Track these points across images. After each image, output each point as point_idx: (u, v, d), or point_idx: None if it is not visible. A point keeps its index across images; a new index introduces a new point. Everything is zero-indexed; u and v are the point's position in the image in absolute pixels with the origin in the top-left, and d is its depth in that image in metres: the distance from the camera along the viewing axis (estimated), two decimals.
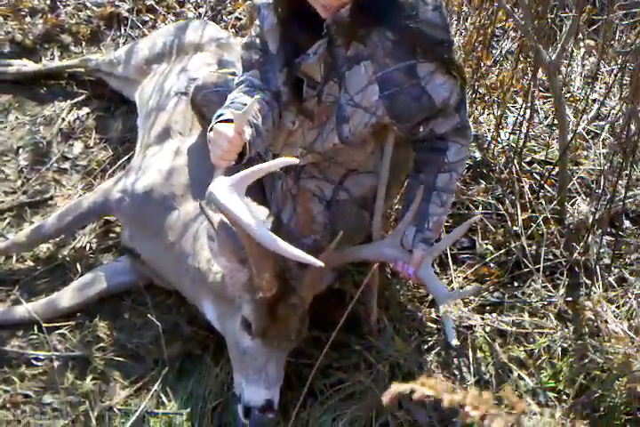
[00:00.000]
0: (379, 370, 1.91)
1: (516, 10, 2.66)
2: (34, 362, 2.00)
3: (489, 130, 2.73)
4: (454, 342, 1.65)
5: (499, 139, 2.69)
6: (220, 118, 1.66)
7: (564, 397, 1.90)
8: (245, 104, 1.66)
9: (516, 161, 2.49)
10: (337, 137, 1.84)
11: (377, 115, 1.78)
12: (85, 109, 2.96)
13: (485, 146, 2.68)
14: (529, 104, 2.49)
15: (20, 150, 2.74)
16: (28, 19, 3.30)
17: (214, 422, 1.84)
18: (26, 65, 3.05)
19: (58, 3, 3.41)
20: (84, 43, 3.32)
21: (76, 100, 2.98)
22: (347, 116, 1.80)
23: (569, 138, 2.38)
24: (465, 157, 1.90)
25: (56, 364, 2.00)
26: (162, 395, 1.93)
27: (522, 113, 2.58)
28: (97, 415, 1.87)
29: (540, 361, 2.00)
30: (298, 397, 1.70)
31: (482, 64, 2.64)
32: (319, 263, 1.47)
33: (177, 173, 2.10)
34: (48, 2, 3.39)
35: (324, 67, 1.76)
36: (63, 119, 2.90)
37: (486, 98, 2.74)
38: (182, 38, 2.68)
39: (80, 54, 3.20)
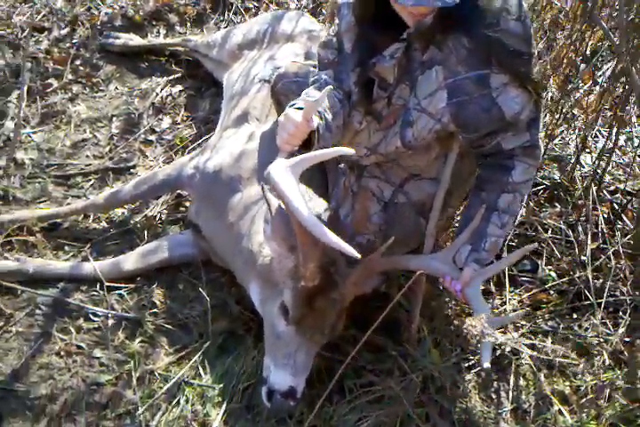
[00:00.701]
0: (411, 379, 1.89)
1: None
2: (91, 317, 2.13)
3: (574, 152, 2.61)
4: (486, 364, 1.60)
5: (584, 163, 2.58)
6: (293, 106, 1.69)
7: None
8: None
9: (594, 187, 2.37)
10: (399, 140, 1.83)
11: (442, 122, 1.76)
12: (178, 87, 3.11)
13: (568, 169, 2.57)
14: (615, 130, 2.35)
15: (114, 119, 2.92)
16: None
17: (243, 402, 1.89)
18: (132, 39, 3.23)
19: None
20: (188, 24, 3.47)
21: (171, 77, 3.14)
22: (412, 120, 1.79)
23: None
24: (531, 179, 1.84)
25: (110, 322, 2.12)
26: (200, 367, 2.00)
27: (607, 138, 2.45)
28: (138, 376, 1.97)
29: (584, 400, 1.91)
30: (326, 391, 1.73)
31: (570, 82, 2.51)
32: (356, 254, 1.48)
33: (246, 157, 2.17)
34: None
35: (398, 69, 1.75)
36: (157, 94, 3.06)
37: (570, 118, 2.62)
38: (276, 27, 2.75)
39: (183, 34, 3.35)
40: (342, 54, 1.84)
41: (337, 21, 1.86)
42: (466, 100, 1.70)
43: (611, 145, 2.42)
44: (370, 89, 1.80)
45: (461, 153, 1.91)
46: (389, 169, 2.02)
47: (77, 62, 3.11)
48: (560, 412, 1.87)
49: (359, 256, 1.48)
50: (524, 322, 2.12)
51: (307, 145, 1.71)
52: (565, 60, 2.38)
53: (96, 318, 2.13)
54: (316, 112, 1.67)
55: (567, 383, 1.95)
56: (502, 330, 2.07)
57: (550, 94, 2.62)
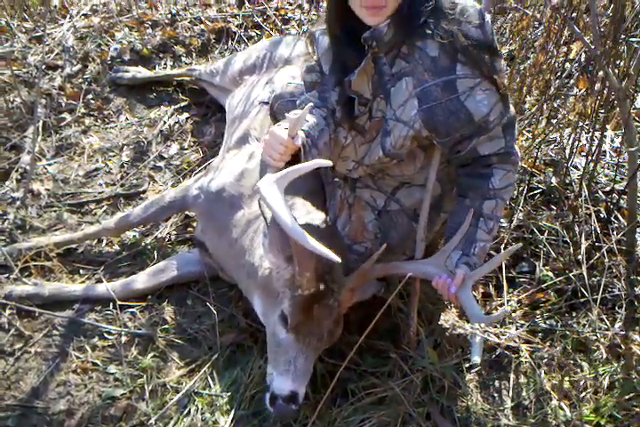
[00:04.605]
0: (412, 380, 1.94)
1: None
2: (105, 335, 2.23)
3: (567, 156, 2.66)
4: (476, 359, 1.64)
5: (579, 166, 2.63)
6: (278, 126, 1.79)
7: None
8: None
9: (584, 187, 2.40)
10: (380, 150, 1.92)
11: (414, 128, 1.83)
12: (185, 114, 3.25)
13: (562, 172, 2.62)
14: (599, 130, 2.39)
15: (125, 148, 3.06)
16: (149, 30, 3.68)
17: (250, 408, 1.96)
18: (140, 72, 3.39)
19: (177, 17, 3.78)
20: (194, 54, 3.64)
21: (178, 105, 3.28)
22: (389, 129, 1.87)
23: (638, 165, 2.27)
24: (511, 184, 1.90)
25: (124, 339, 2.21)
26: (209, 378, 2.08)
27: (592, 139, 2.50)
28: (151, 389, 2.05)
29: (584, 393, 1.93)
30: (331, 396, 1.79)
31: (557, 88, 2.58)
32: (337, 259, 1.55)
33: (248, 176, 2.27)
34: (169, 16, 3.76)
35: (372, 84, 1.85)
36: (165, 122, 3.20)
37: (559, 123, 2.68)
38: (274, 52, 2.87)
39: (189, 65, 3.51)
40: (324, 76, 1.96)
41: (315, 48, 1.98)
42: (435, 105, 1.78)
43: (602, 147, 2.46)
44: (351, 106, 1.89)
45: (448, 159, 1.98)
46: (380, 179, 2.10)
47: (89, 97, 3.28)
48: (560, 407, 1.89)
49: (339, 260, 1.56)
50: (522, 321, 2.15)
51: (294, 160, 1.80)
52: (545, 67, 2.44)
53: (110, 336, 2.22)
54: (301, 129, 1.77)
55: (566, 379, 1.97)
56: (502, 329, 2.11)
57: (532, 99, 2.68)
